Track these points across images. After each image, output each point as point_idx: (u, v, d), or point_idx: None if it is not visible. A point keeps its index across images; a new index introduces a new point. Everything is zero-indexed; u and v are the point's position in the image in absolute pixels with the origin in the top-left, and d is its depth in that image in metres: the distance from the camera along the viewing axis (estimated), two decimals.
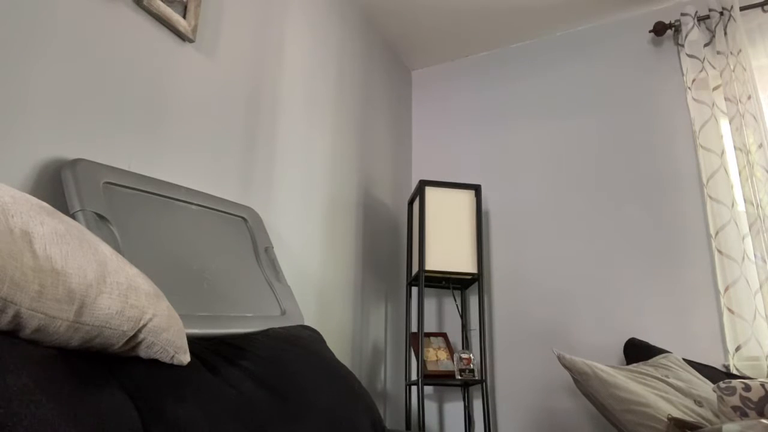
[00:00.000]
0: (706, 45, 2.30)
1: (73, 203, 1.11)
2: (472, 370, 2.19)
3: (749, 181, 2.02)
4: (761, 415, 1.35)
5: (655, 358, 1.87)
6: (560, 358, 1.65)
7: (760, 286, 1.91)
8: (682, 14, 2.34)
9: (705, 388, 1.65)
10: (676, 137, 2.33)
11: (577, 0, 2.52)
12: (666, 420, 1.35)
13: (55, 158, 1.19)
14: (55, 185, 1.17)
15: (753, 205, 1.99)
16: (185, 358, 0.93)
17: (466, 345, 2.46)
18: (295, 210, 1.97)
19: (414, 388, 2.43)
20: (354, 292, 2.28)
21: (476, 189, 2.39)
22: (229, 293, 1.36)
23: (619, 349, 2.19)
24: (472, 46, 2.90)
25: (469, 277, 2.30)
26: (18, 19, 1.16)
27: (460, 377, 2.17)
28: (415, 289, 2.52)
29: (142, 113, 1.43)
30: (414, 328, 2.46)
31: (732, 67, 2.17)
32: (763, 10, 2.24)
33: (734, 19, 2.20)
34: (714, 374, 1.85)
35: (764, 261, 1.91)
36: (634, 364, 1.84)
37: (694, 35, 2.29)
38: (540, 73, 2.74)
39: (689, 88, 2.27)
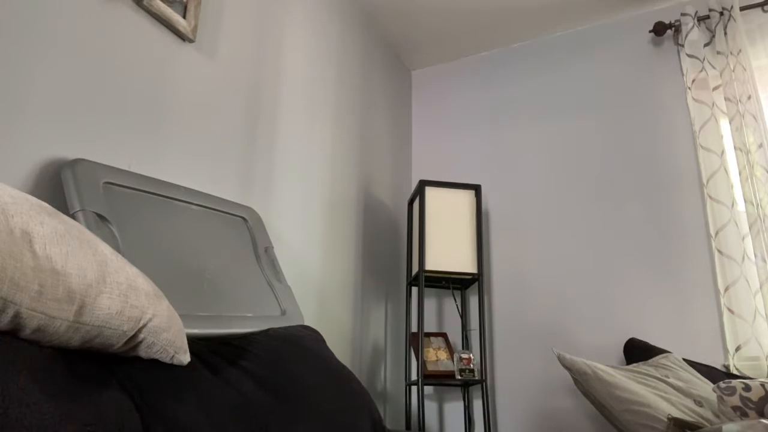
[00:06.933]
0: (706, 45, 2.30)
1: (73, 203, 1.11)
2: (472, 370, 2.19)
3: (749, 181, 2.02)
4: (761, 415, 1.35)
5: (655, 358, 1.87)
6: (560, 358, 1.65)
7: (760, 286, 1.91)
8: (682, 14, 2.34)
9: (705, 388, 1.65)
10: (676, 137, 2.33)
11: (577, 0, 2.52)
12: (666, 420, 1.35)
13: (55, 158, 1.19)
14: (55, 185, 1.17)
15: (753, 205, 1.99)
16: (185, 358, 0.93)
17: (466, 345, 2.46)
18: (295, 210, 1.97)
19: (414, 388, 2.43)
20: (354, 292, 2.28)
21: (476, 189, 2.39)
22: (229, 293, 1.36)
23: (619, 349, 2.19)
24: (472, 46, 2.90)
25: (469, 277, 2.30)
26: (18, 19, 1.16)
27: (460, 377, 2.17)
28: (415, 289, 2.52)
29: (142, 113, 1.43)
30: (414, 328, 2.46)
31: (732, 67, 2.17)
32: (763, 10, 2.24)
33: (734, 19, 2.20)
34: (714, 374, 1.85)
35: (764, 261, 1.91)
36: (634, 364, 1.84)
37: (694, 35, 2.29)
38: (540, 73, 2.74)
39: (689, 88, 2.27)
